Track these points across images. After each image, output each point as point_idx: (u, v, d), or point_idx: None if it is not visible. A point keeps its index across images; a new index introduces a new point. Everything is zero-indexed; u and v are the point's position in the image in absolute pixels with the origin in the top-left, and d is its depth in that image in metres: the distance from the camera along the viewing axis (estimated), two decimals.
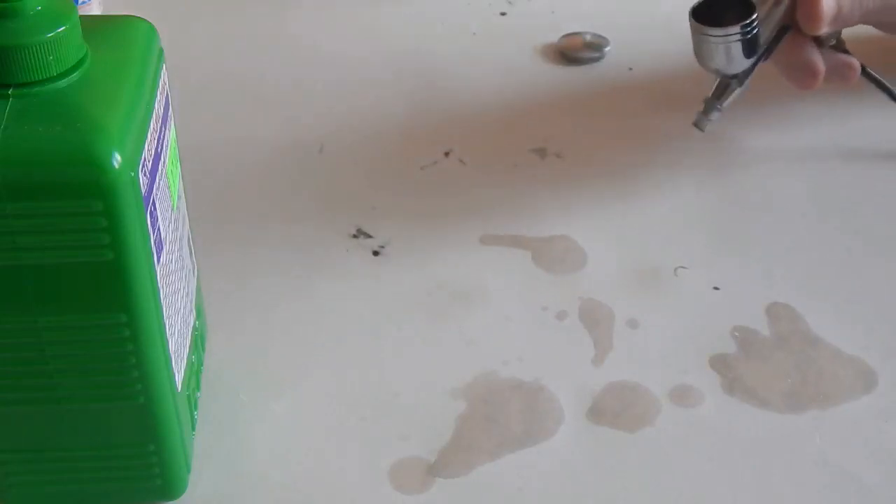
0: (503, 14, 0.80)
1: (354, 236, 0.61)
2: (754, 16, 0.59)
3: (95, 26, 0.43)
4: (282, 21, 0.79)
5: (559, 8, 0.80)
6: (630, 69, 0.74)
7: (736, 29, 0.59)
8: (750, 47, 0.60)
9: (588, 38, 0.76)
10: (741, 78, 0.61)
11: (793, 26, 0.61)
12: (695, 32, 0.60)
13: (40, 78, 0.40)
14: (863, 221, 0.62)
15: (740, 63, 0.60)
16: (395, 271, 0.59)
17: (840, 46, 0.64)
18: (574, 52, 0.75)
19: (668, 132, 0.68)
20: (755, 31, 0.59)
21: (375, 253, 0.60)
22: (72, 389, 0.44)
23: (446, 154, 0.67)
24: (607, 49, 0.75)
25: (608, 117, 0.70)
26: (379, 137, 0.68)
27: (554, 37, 0.76)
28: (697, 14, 0.60)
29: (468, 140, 0.68)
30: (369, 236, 0.61)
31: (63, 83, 0.41)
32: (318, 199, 0.64)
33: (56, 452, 0.45)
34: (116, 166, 0.39)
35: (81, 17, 0.42)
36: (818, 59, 0.61)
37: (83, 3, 0.73)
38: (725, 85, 0.62)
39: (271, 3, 0.81)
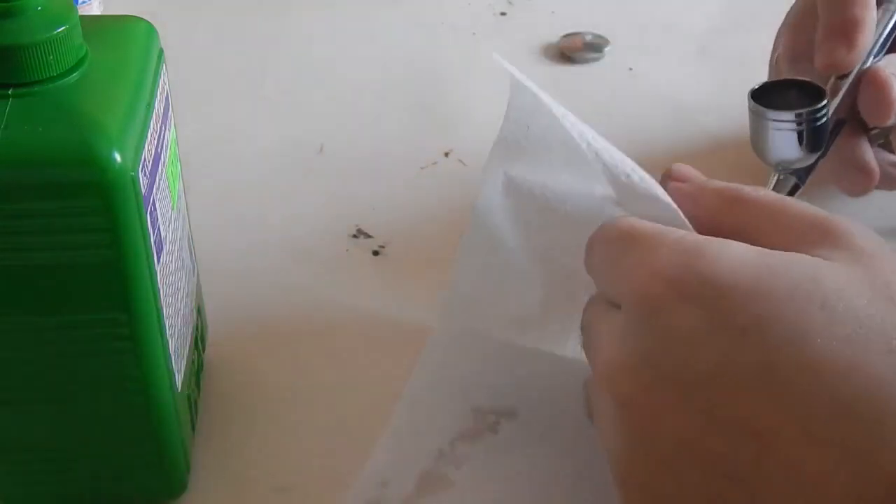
0: (503, 14, 0.80)
1: (354, 236, 0.61)
2: (825, 101, 0.51)
3: (95, 26, 0.43)
4: (282, 21, 0.79)
5: (559, 8, 0.80)
6: (630, 69, 0.74)
7: (804, 114, 0.51)
8: (818, 138, 0.52)
9: (588, 38, 0.76)
10: (802, 176, 0.53)
11: (848, 120, 0.54)
12: (757, 118, 0.53)
13: (40, 78, 0.40)
14: (863, 218, 0.62)
15: (806, 156, 0.52)
16: (395, 271, 0.59)
17: (888, 146, 0.56)
18: (574, 52, 0.75)
19: (667, 132, 0.68)
20: (825, 120, 0.52)
21: (375, 253, 0.60)
22: (71, 389, 0.44)
23: (446, 154, 0.67)
24: (607, 49, 0.75)
25: (608, 117, 0.70)
26: (379, 137, 0.69)
27: (554, 37, 0.76)
28: (757, 98, 0.53)
29: (468, 140, 0.68)
30: (369, 236, 0.61)
31: (63, 83, 0.41)
32: (318, 199, 0.64)
33: (56, 452, 0.45)
34: (116, 166, 0.39)
35: (81, 17, 0.42)
36: (873, 160, 0.55)
37: (83, 3, 0.73)
38: (785, 183, 0.53)
39: (271, 4, 0.81)
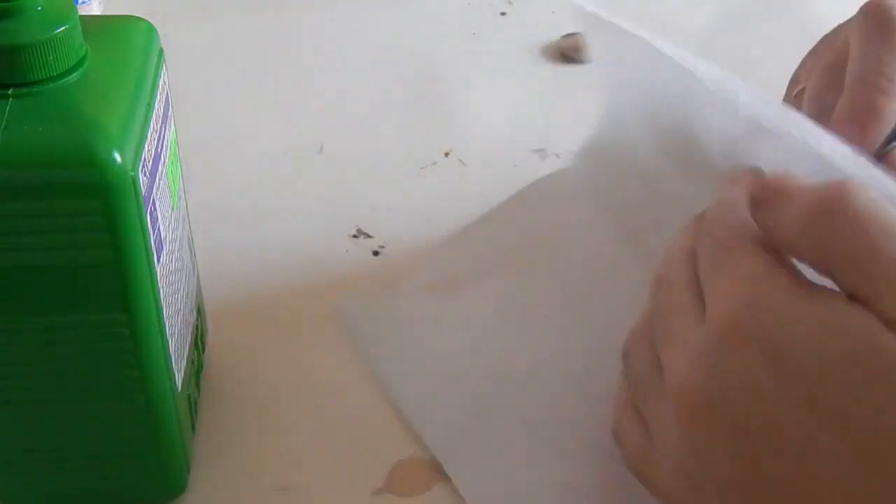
0: (503, 14, 0.80)
1: (354, 236, 0.61)
2: None
3: (95, 26, 0.43)
4: (282, 21, 0.79)
5: (559, 8, 0.80)
6: None
7: None
8: None
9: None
10: None
11: None
12: None
13: (40, 78, 0.40)
14: None
15: None
16: (395, 271, 0.59)
17: None
18: (574, 52, 0.75)
19: None
20: None
21: (375, 253, 0.60)
22: (71, 389, 0.44)
23: (446, 154, 0.67)
24: None
25: None
26: (379, 137, 0.69)
27: (554, 37, 0.76)
28: None
29: (468, 140, 0.68)
30: (369, 236, 0.61)
31: (63, 83, 0.41)
32: (318, 199, 0.64)
33: (55, 452, 0.45)
34: (116, 166, 0.39)
35: (81, 17, 0.42)
36: None
37: (83, 3, 0.73)
38: None
39: (271, 3, 0.81)
